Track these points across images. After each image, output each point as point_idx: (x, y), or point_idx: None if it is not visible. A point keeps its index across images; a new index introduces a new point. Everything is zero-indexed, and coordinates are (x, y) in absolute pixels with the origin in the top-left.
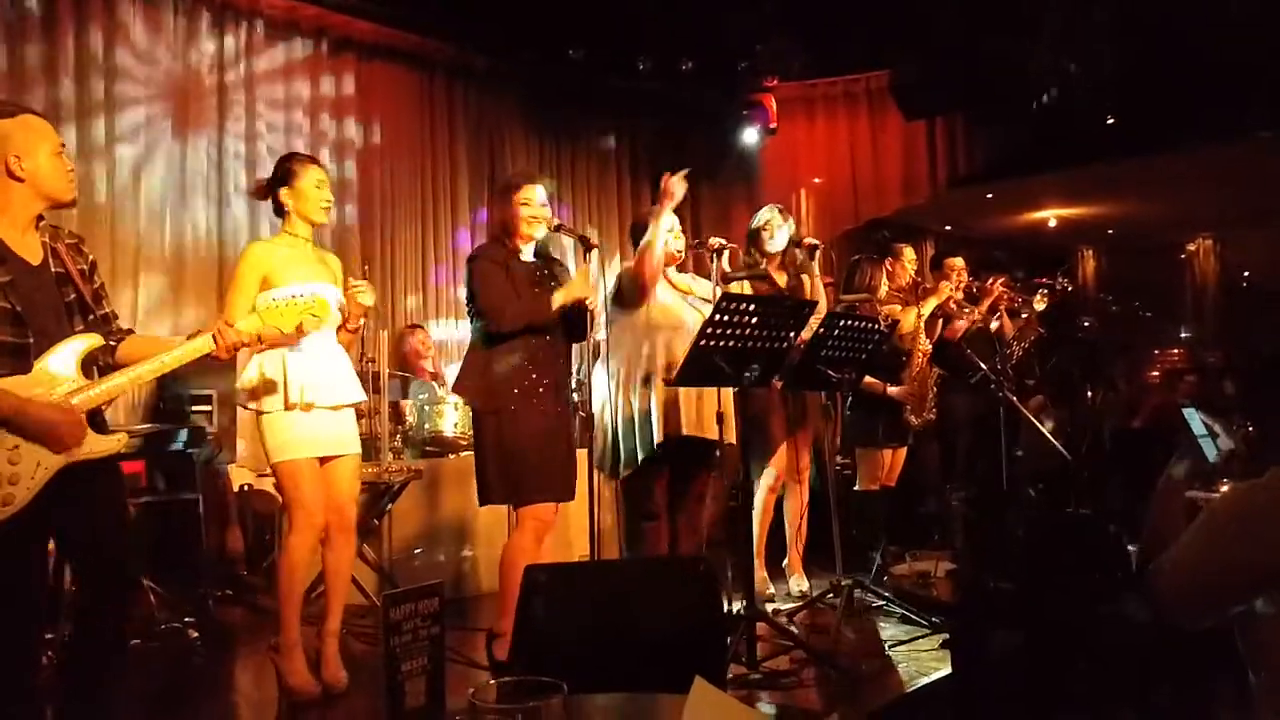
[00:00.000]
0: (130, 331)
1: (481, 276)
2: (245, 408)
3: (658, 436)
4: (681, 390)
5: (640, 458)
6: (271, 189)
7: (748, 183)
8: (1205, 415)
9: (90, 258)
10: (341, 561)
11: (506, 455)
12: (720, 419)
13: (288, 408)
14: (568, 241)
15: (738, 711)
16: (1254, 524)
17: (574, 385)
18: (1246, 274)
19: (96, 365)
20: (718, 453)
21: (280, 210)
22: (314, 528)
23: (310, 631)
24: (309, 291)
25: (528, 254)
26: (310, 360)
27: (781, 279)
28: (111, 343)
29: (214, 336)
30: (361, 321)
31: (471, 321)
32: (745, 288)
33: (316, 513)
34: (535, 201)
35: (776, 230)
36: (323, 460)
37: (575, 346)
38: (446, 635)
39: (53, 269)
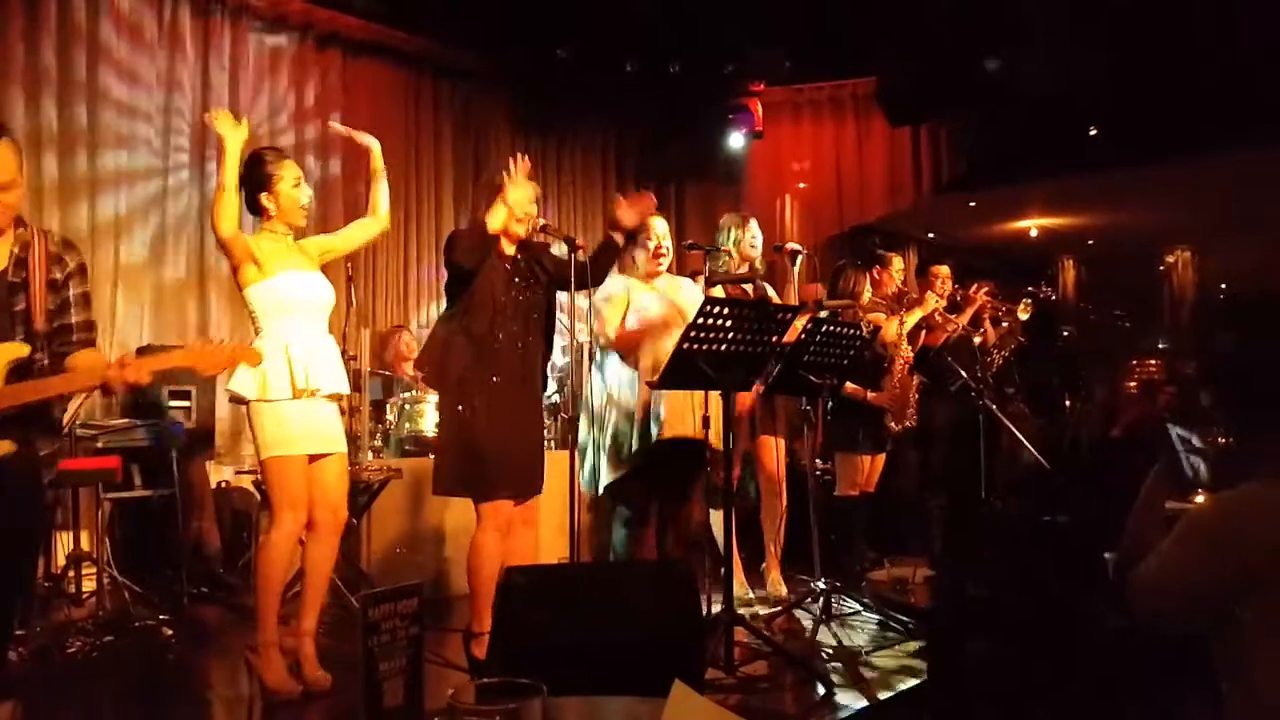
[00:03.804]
0: (90, 344)
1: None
2: (245, 400)
3: (656, 434)
4: (667, 394)
5: (634, 452)
6: (248, 190)
7: (733, 186)
8: (1183, 426)
9: (72, 265)
10: (325, 561)
11: (463, 448)
12: (706, 422)
13: (296, 395)
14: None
15: (717, 716)
16: (1228, 534)
17: (552, 384)
18: (1224, 285)
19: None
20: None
21: (257, 210)
22: (298, 525)
23: (285, 631)
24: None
25: (494, 226)
26: (309, 345)
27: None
28: (63, 351)
29: (106, 376)
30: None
31: (448, 303)
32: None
33: (302, 510)
34: (525, 201)
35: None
36: (312, 458)
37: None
38: (425, 635)
39: (10, 278)
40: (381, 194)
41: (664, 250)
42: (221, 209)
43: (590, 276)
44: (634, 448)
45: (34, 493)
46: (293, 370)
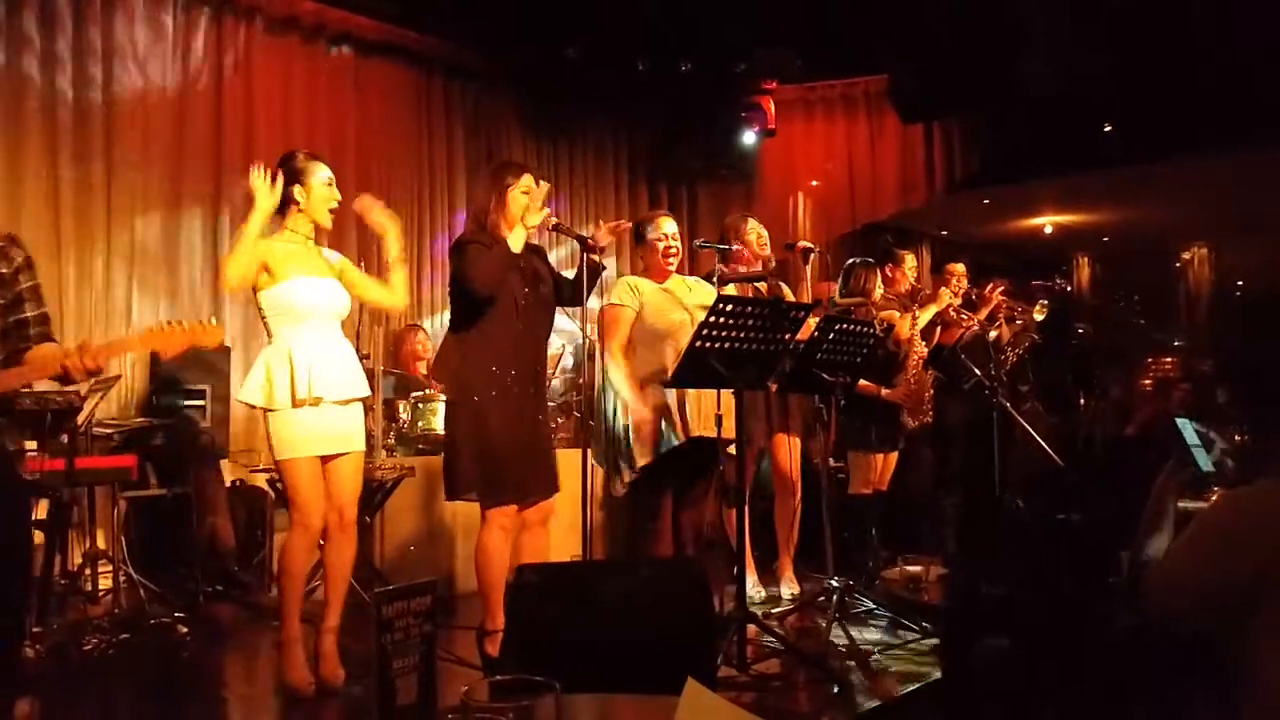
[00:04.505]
0: (47, 338)
1: (469, 259)
2: (252, 405)
3: (679, 438)
4: (684, 393)
5: (643, 465)
6: (282, 185)
7: (745, 185)
8: (1198, 424)
9: (19, 259)
10: (341, 559)
11: (476, 451)
12: (719, 420)
13: (295, 404)
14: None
15: (731, 714)
16: (1241, 532)
17: (559, 382)
18: (1240, 283)
19: None
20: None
21: (283, 208)
22: (310, 527)
23: (308, 628)
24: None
25: (517, 246)
26: (318, 354)
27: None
28: (22, 347)
29: (64, 364)
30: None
31: (452, 306)
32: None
33: (313, 513)
34: (534, 192)
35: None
36: (326, 458)
37: (560, 341)
38: (439, 633)
39: None
40: (399, 280)
41: (673, 250)
42: (234, 257)
43: (574, 297)
44: (661, 447)
45: (11, 487)
46: (294, 378)
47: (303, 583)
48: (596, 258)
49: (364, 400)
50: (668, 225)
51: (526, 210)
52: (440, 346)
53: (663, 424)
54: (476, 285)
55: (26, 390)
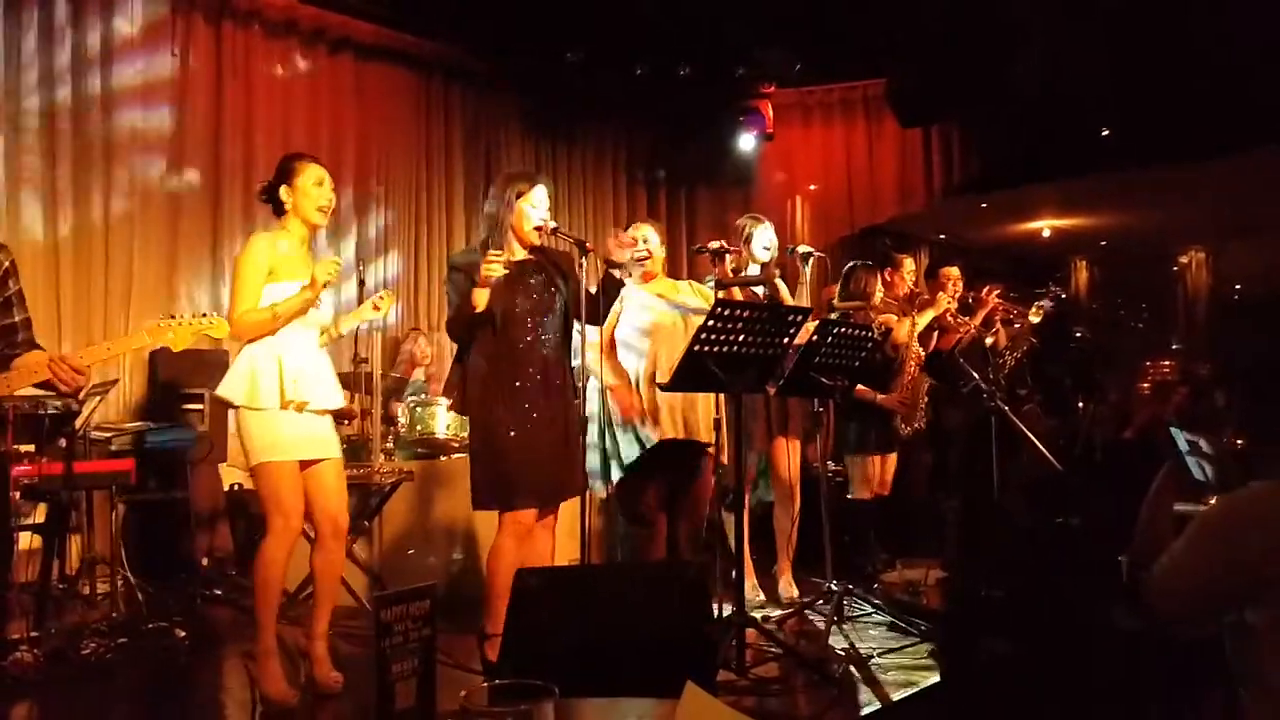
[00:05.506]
0: (36, 346)
1: (453, 287)
2: (234, 405)
3: (653, 438)
4: (675, 395)
5: (630, 461)
6: (272, 188)
7: (744, 188)
8: (1195, 428)
9: (5, 263)
10: (331, 565)
11: (489, 459)
12: (717, 425)
13: (284, 406)
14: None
15: (729, 717)
16: (1236, 535)
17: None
18: (1238, 286)
19: None
20: (711, 457)
21: (279, 209)
22: (291, 532)
23: (298, 633)
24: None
25: (520, 255)
26: (302, 359)
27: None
28: (14, 353)
29: (50, 367)
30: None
31: None
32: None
33: (294, 517)
34: (543, 206)
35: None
36: (304, 464)
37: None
38: (437, 637)
39: None
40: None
41: (644, 251)
42: (256, 324)
43: (593, 313)
44: (637, 446)
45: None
46: (283, 380)
47: (280, 591)
48: (617, 273)
49: (336, 410)
50: (640, 230)
51: (536, 227)
52: (453, 364)
53: (645, 422)
54: (450, 334)
55: (24, 395)
